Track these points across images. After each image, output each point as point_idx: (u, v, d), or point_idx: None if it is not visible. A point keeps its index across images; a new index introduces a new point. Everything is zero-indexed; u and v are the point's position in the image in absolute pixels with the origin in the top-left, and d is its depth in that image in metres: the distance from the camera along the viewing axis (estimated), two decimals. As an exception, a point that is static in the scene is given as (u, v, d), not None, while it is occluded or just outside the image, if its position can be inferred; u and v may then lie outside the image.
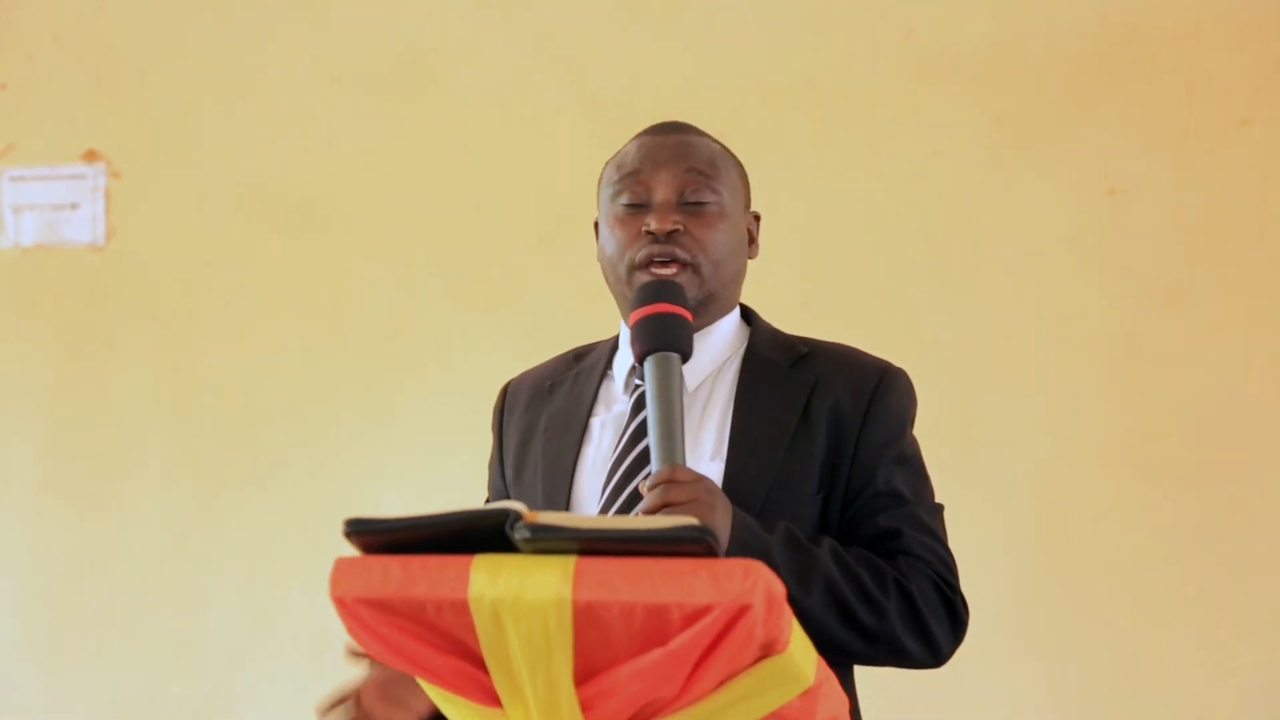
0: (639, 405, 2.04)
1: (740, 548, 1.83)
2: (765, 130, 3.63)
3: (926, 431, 2.10)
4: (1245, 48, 3.49)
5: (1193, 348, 3.49)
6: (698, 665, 1.42)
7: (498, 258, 3.84)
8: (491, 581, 1.43)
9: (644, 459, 1.98)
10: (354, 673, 1.83)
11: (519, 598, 1.42)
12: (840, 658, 1.88)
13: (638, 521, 1.47)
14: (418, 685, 1.56)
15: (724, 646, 1.40)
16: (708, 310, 2.07)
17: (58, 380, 4.05)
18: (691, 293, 2.02)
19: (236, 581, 3.93)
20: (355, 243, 3.92)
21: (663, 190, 2.05)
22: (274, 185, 3.97)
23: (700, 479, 1.82)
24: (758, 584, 1.39)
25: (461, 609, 1.45)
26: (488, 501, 2.21)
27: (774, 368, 2.06)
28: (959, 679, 2.98)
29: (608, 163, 2.14)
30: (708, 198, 2.06)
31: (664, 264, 2.03)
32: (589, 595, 1.41)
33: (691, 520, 1.43)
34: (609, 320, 2.19)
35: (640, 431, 2.01)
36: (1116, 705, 3.48)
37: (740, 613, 1.39)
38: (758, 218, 2.17)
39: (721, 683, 1.44)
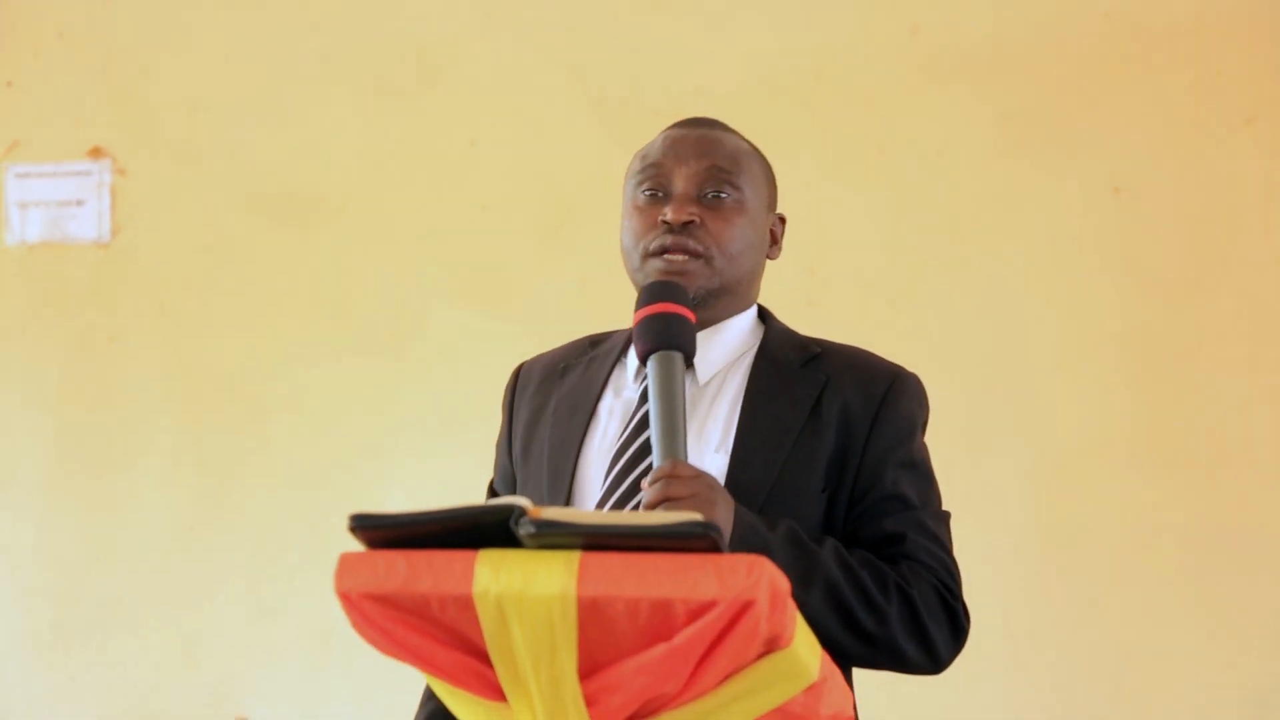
0: (647, 394, 2.04)
1: (741, 545, 1.82)
2: (771, 128, 3.57)
3: (931, 427, 2.10)
4: (1250, 45, 3.49)
5: (1198, 345, 3.49)
6: (702, 660, 1.42)
7: (503, 253, 3.84)
8: (496, 576, 1.44)
9: (649, 446, 1.96)
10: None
11: (523, 593, 1.43)
12: (839, 660, 1.86)
13: (642, 517, 1.47)
14: None
15: (728, 642, 1.41)
16: (719, 304, 2.07)
17: (63, 376, 4.05)
18: (701, 282, 2.02)
19: (242, 576, 3.94)
20: (360, 238, 3.93)
21: (683, 182, 2.05)
22: (280, 181, 3.97)
23: (701, 475, 1.82)
24: (762, 579, 1.39)
25: (466, 604, 1.45)
26: (491, 482, 2.21)
27: (786, 366, 2.06)
28: (960, 678, 2.98)
29: (636, 154, 2.14)
30: (727, 193, 2.05)
31: (677, 254, 2.02)
32: (593, 590, 1.41)
33: (696, 516, 1.43)
34: (614, 315, 2.19)
35: (646, 420, 1.99)
36: (1120, 705, 3.48)
37: (745, 608, 1.39)
38: (783, 219, 2.16)
39: (726, 678, 1.45)
